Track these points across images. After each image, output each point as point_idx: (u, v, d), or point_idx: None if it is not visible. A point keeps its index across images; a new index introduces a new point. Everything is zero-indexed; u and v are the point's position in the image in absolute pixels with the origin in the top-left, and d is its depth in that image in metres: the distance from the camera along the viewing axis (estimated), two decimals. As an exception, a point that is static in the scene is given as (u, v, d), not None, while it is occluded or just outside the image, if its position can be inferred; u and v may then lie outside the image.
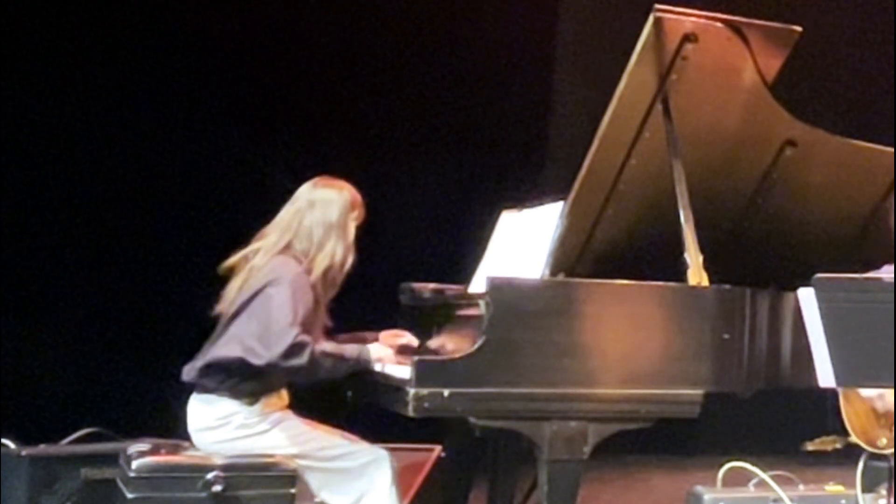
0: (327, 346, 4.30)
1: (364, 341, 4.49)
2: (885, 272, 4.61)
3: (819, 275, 3.60)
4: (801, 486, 4.77)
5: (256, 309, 4.27)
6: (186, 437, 4.41)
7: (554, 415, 4.10)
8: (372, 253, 4.58)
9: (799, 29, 4.54)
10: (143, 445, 4.40)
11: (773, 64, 4.58)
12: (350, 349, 4.32)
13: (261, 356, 4.17)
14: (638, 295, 4.23)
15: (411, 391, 3.99)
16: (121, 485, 4.30)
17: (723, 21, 4.43)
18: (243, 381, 4.30)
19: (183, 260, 6.76)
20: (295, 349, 4.14)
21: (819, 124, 4.75)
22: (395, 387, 4.17)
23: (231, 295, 4.40)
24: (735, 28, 4.45)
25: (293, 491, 4.26)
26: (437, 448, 5.17)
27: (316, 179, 4.52)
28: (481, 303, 4.13)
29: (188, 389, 4.40)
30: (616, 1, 7.84)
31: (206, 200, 7.14)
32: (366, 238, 4.51)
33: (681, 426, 4.32)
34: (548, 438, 4.10)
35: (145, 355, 6.76)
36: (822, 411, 4.81)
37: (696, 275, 4.28)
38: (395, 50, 7.71)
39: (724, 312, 4.30)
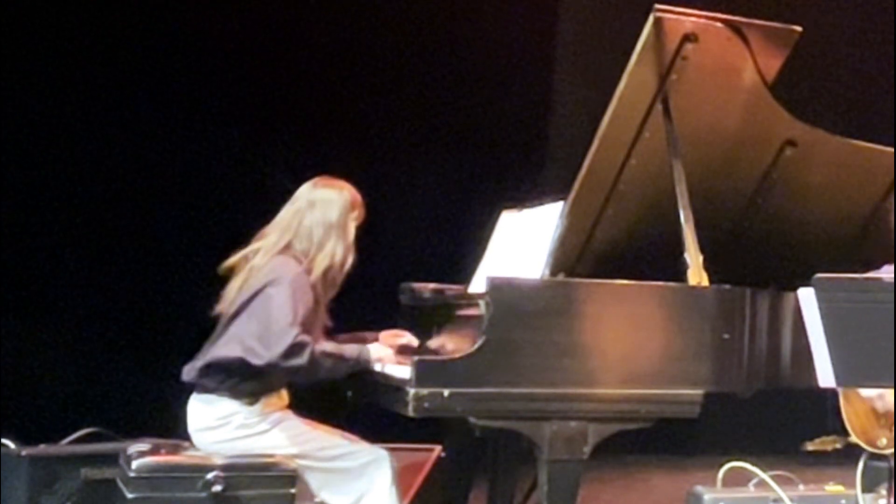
0: (327, 345, 4.30)
1: (364, 341, 4.49)
2: (885, 272, 4.60)
3: (819, 275, 3.60)
4: (801, 486, 4.77)
5: (256, 309, 4.27)
6: (186, 437, 4.41)
7: (554, 415, 4.10)
8: (372, 253, 4.58)
9: (799, 29, 4.54)
10: (143, 445, 4.40)
11: (773, 64, 4.58)
12: (350, 349, 4.33)
13: (261, 356, 4.17)
14: (638, 295, 4.23)
15: (411, 391, 3.99)
16: (121, 485, 4.30)
17: (723, 21, 4.43)
18: (243, 381, 4.30)
19: (183, 260, 6.76)
20: (295, 349, 4.14)
21: (819, 124, 4.75)
22: (395, 387, 4.17)
23: (231, 295, 4.40)
24: (735, 28, 4.45)
25: (293, 491, 4.26)
26: (437, 448, 5.17)
27: (316, 179, 4.52)
28: (481, 303, 4.13)
29: (188, 389, 4.40)
30: (616, 1, 7.84)
31: (206, 200, 7.14)
32: (366, 238, 4.51)
33: (681, 426, 4.32)
34: (548, 438, 4.10)
35: (145, 355, 6.76)
36: (822, 411, 4.81)
37: (696, 275, 4.28)
38: (395, 50, 7.71)
39: (724, 312, 4.30)
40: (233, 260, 4.46)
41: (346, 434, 4.45)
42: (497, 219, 4.98)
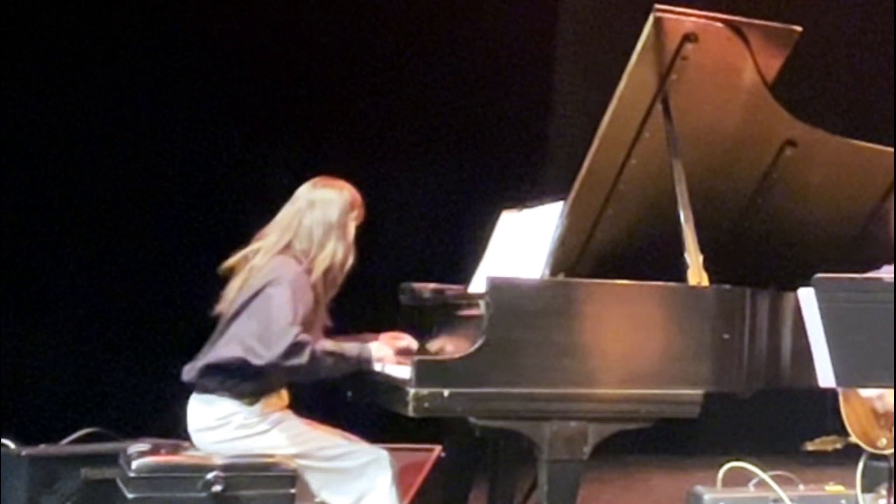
0: (328, 344, 4.30)
1: (364, 342, 4.49)
2: (885, 272, 4.60)
3: (819, 275, 3.60)
4: (801, 486, 4.77)
5: (256, 309, 4.27)
6: (186, 437, 4.41)
7: (554, 415, 4.10)
8: (372, 253, 4.59)
9: (799, 29, 4.54)
10: (143, 445, 4.40)
11: (773, 64, 4.57)
12: (351, 348, 4.32)
13: (261, 356, 4.17)
14: (638, 295, 4.23)
15: (411, 391, 3.99)
16: (121, 485, 4.30)
17: (723, 21, 4.43)
18: (243, 381, 4.29)
19: (183, 260, 6.76)
20: (295, 349, 4.14)
21: (819, 124, 4.75)
22: (395, 387, 4.17)
23: (231, 295, 4.40)
24: (735, 28, 4.45)
25: (293, 491, 4.25)
26: (437, 448, 5.17)
27: (316, 179, 4.52)
28: (481, 303, 4.13)
29: (188, 389, 4.40)
30: (616, 1, 7.84)
31: (206, 200, 7.14)
32: (366, 238, 4.51)
33: (681, 426, 4.32)
34: (548, 438, 4.10)
35: (145, 355, 6.77)
36: (822, 411, 4.81)
37: (696, 275, 4.28)
38: (395, 50, 7.71)
39: (724, 312, 4.30)
40: (233, 260, 4.46)
41: (346, 434, 4.45)
42: (497, 219, 4.98)
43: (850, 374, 3.64)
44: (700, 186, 4.44)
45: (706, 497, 4.63)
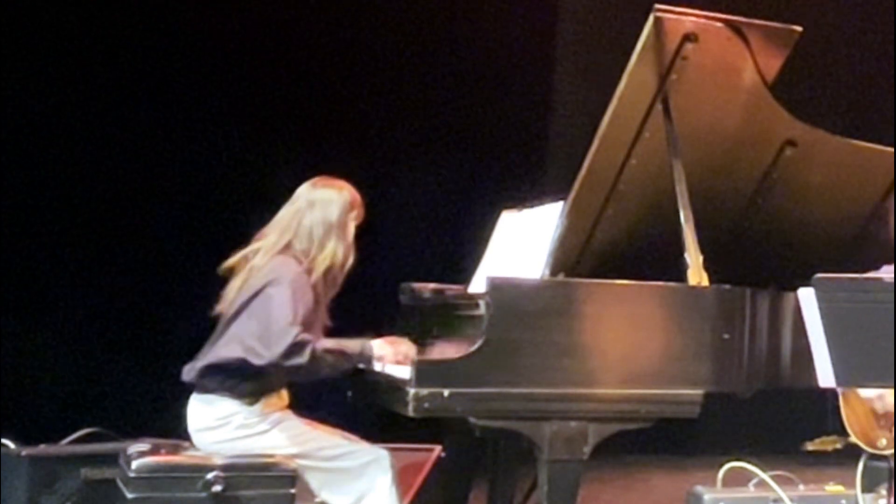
0: (328, 342, 4.29)
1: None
2: (885, 272, 4.60)
3: (819, 275, 3.60)
4: (801, 486, 4.77)
5: (256, 309, 4.26)
6: (186, 437, 4.41)
7: (554, 415, 4.10)
8: (372, 253, 4.58)
9: (799, 29, 4.54)
10: (143, 445, 4.40)
11: (773, 64, 4.57)
12: (352, 344, 4.31)
13: (261, 356, 4.17)
14: (638, 295, 4.23)
15: (411, 391, 3.99)
16: (121, 485, 4.30)
17: (723, 21, 4.43)
18: (244, 381, 4.29)
19: (183, 260, 6.76)
20: (295, 348, 4.14)
21: (819, 124, 4.75)
22: (395, 387, 4.17)
23: (231, 295, 4.40)
24: (735, 28, 4.45)
25: (293, 491, 4.25)
26: (437, 448, 5.16)
27: (315, 179, 4.52)
28: (481, 303, 4.13)
29: (188, 389, 4.40)
30: (616, 1, 7.84)
31: (207, 200, 7.14)
32: (366, 238, 4.51)
33: (681, 426, 4.32)
34: (548, 438, 4.10)
35: (145, 355, 6.77)
36: (822, 411, 4.81)
37: (696, 275, 4.28)
38: (395, 50, 7.72)
39: (724, 312, 4.30)
40: (233, 260, 4.46)
41: (346, 434, 4.45)
42: (497, 219, 4.98)
43: (850, 374, 3.64)
44: (700, 186, 4.44)
45: (706, 497, 4.63)
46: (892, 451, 4.50)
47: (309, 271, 4.33)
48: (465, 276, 4.94)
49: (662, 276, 4.29)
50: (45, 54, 6.87)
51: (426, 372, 4.01)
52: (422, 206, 7.64)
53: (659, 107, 4.43)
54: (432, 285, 4.97)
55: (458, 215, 7.21)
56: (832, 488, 4.75)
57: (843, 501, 4.67)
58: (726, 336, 4.28)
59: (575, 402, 4.11)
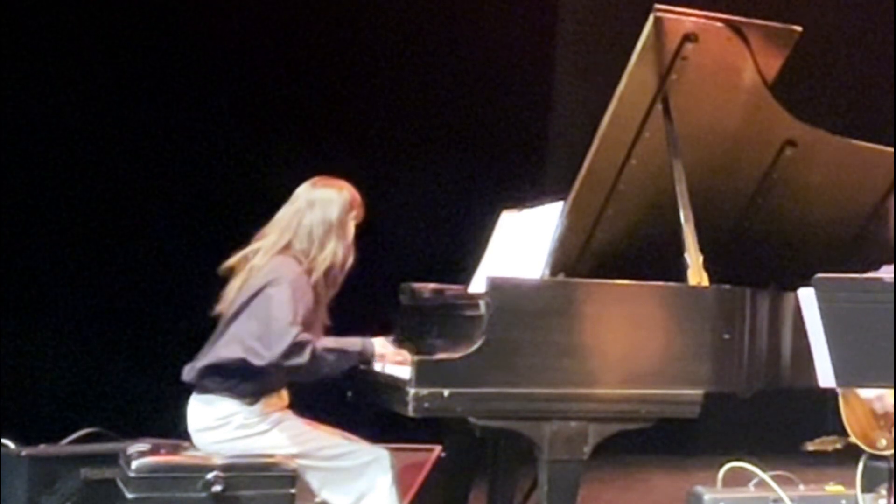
0: (328, 341, 4.29)
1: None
2: (885, 272, 4.60)
3: (819, 275, 3.60)
4: (801, 486, 4.76)
5: (256, 309, 4.26)
6: (186, 437, 4.41)
7: (554, 415, 4.10)
8: (372, 253, 4.58)
9: (799, 29, 4.54)
10: (143, 445, 4.39)
11: (773, 64, 4.57)
12: (353, 342, 4.31)
13: (262, 356, 4.17)
14: (638, 295, 4.23)
15: (411, 391, 3.99)
16: (121, 485, 4.30)
17: (723, 21, 4.43)
18: (244, 381, 4.29)
19: (183, 260, 6.76)
20: (296, 348, 4.13)
21: (819, 124, 4.75)
22: (395, 387, 4.17)
23: (231, 295, 4.40)
24: (735, 28, 4.45)
25: (293, 491, 4.25)
26: (437, 448, 5.16)
27: (315, 179, 4.52)
28: (481, 303, 4.13)
29: (188, 389, 4.40)
30: (616, 1, 7.84)
31: (207, 200, 7.14)
32: (366, 238, 4.51)
33: (681, 426, 4.31)
34: (548, 438, 4.10)
35: (145, 355, 6.77)
36: (822, 411, 4.80)
37: (696, 275, 4.28)
38: (395, 50, 7.72)
39: (724, 312, 4.30)
40: (233, 260, 4.46)
41: (346, 434, 4.45)
42: (497, 219, 4.98)
43: (850, 374, 3.64)
44: (700, 186, 4.44)
45: (706, 497, 4.63)
46: (892, 451, 4.49)
47: (309, 271, 4.33)
48: (465, 276, 4.94)
49: (662, 276, 4.29)
50: (45, 54, 6.87)
51: (426, 372, 4.01)
52: (422, 206, 7.64)
53: (659, 107, 4.43)
54: (432, 285, 4.97)
55: (458, 215, 7.21)
56: (832, 488, 4.75)
57: (843, 501, 4.67)
58: (726, 336, 4.28)
59: (575, 402, 4.12)
